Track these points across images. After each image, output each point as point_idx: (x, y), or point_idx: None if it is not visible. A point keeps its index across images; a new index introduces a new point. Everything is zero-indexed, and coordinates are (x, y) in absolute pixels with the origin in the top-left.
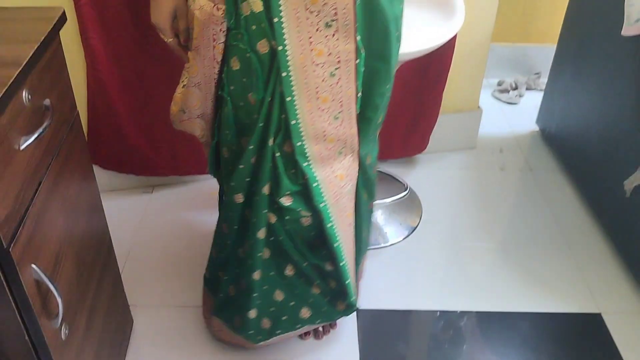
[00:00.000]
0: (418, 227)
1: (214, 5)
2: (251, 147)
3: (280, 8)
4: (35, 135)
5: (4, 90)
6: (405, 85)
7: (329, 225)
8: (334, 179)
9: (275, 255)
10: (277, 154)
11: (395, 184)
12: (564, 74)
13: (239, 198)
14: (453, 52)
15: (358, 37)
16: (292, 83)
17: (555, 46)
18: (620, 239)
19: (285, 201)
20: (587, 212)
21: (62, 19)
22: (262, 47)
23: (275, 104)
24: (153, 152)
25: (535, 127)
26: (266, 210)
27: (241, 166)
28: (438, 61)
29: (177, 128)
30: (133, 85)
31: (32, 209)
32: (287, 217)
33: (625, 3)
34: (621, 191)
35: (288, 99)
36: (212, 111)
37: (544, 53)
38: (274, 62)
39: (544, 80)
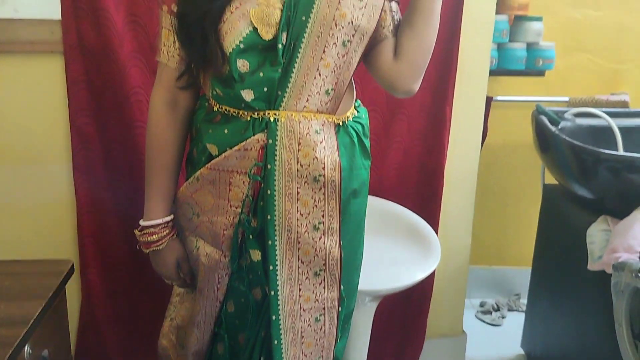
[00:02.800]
0: None
1: (222, 253)
2: None
3: (276, 258)
4: None
5: (10, 351)
6: (389, 315)
7: None
8: None
9: None
10: None
11: None
12: (541, 299)
13: None
14: (433, 280)
15: (342, 286)
16: (281, 327)
17: (530, 269)
18: None
19: None
20: None
21: (70, 272)
22: (257, 294)
23: (257, 347)
24: None
25: (521, 351)
26: None
27: None
28: (420, 289)
29: None
30: (124, 317)
31: None
32: None
33: (587, 240)
34: None
35: (275, 342)
36: (206, 347)
37: (521, 275)
38: (263, 307)
39: (524, 301)
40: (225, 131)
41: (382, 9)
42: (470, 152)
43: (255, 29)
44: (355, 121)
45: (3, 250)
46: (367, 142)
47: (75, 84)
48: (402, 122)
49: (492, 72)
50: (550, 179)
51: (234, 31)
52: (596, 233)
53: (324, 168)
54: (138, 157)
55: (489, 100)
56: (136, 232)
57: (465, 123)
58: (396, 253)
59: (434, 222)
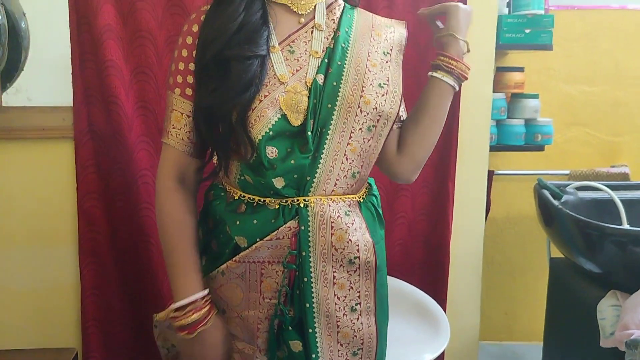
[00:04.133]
0: None
1: (257, 349)
2: None
3: (317, 346)
4: None
5: None
6: None
7: None
8: None
9: None
10: None
11: None
12: None
13: None
14: (443, 359)
15: None
16: None
17: (541, 345)
18: None
19: None
20: None
21: None
22: None
23: None
24: None
25: None
26: None
27: None
28: None
29: None
30: None
31: None
32: None
33: (597, 315)
34: None
35: None
36: None
37: (533, 350)
38: None
39: None
40: (255, 221)
41: (402, 95)
42: (474, 226)
43: (284, 115)
44: (371, 195)
45: (7, 335)
46: (381, 211)
47: (84, 168)
48: (405, 197)
49: (492, 148)
50: (557, 252)
51: (264, 119)
52: (606, 308)
53: (358, 250)
54: (144, 238)
55: (490, 174)
56: (173, 314)
57: (468, 198)
58: (404, 333)
59: (441, 299)
